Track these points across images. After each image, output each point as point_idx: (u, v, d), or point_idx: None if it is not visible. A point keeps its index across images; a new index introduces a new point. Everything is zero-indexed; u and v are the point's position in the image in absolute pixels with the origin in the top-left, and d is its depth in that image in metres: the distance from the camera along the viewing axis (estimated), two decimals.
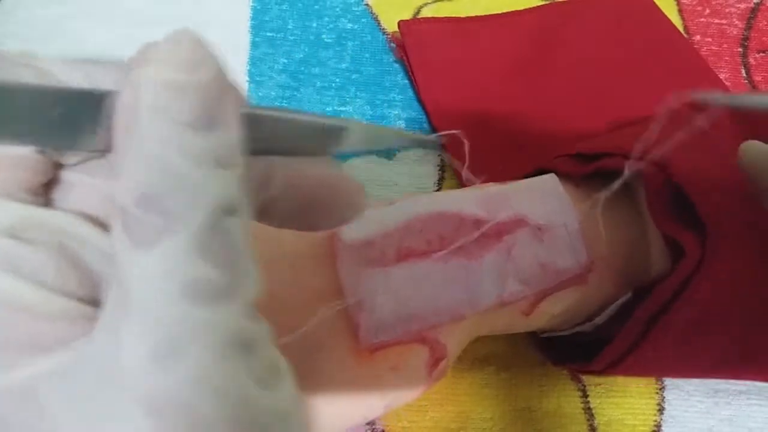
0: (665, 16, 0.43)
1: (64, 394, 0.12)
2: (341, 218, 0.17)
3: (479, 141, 0.38)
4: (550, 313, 0.26)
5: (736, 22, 0.45)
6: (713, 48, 0.44)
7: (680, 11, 0.46)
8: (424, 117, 0.39)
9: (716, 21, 0.45)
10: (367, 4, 0.44)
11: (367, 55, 0.42)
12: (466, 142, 0.21)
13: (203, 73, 0.12)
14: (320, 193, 0.16)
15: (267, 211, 0.16)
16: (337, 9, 0.43)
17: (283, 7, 0.43)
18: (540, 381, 0.31)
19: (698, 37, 0.44)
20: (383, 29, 0.43)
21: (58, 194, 0.14)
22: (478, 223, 0.25)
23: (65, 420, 0.12)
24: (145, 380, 0.11)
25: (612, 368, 0.26)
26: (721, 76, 0.42)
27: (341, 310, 0.23)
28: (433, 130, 0.38)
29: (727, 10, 0.46)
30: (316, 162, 0.16)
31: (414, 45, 0.40)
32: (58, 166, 0.14)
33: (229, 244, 0.12)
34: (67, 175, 0.14)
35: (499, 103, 0.39)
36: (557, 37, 0.42)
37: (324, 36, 0.42)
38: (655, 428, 0.30)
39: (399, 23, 0.41)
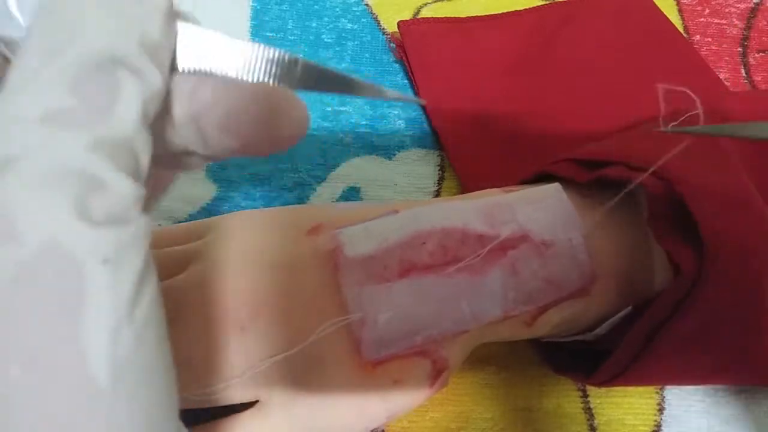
0: (665, 16, 0.43)
1: None
2: (280, 132, 0.16)
3: (479, 141, 0.38)
4: (552, 322, 0.26)
5: (736, 22, 0.45)
6: (713, 48, 0.44)
7: (680, 11, 0.46)
8: (423, 117, 0.39)
9: (716, 21, 0.45)
10: (366, 4, 0.44)
11: (367, 55, 0.42)
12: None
13: None
14: (256, 102, 0.15)
15: (199, 121, 0.15)
16: (337, 9, 0.43)
17: (283, 7, 0.43)
18: (540, 381, 0.31)
19: (698, 37, 0.44)
20: (383, 29, 0.43)
21: None
22: (481, 237, 0.25)
23: None
24: None
25: (611, 382, 0.26)
26: (721, 76, 0.42)
27: (344, 324, 0.23)
28: (433, 130, 0.38)
29: (727, 10, 0.46)
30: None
31: (414, 45, 0.40)
32: None
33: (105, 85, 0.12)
34: None
35: (499, 104, 0.39)
36: (557, 37, 0.42)
37: (324, 36, 0.42)
38: (655, 428, 0.30)
39: (399, 23, 0.41)
